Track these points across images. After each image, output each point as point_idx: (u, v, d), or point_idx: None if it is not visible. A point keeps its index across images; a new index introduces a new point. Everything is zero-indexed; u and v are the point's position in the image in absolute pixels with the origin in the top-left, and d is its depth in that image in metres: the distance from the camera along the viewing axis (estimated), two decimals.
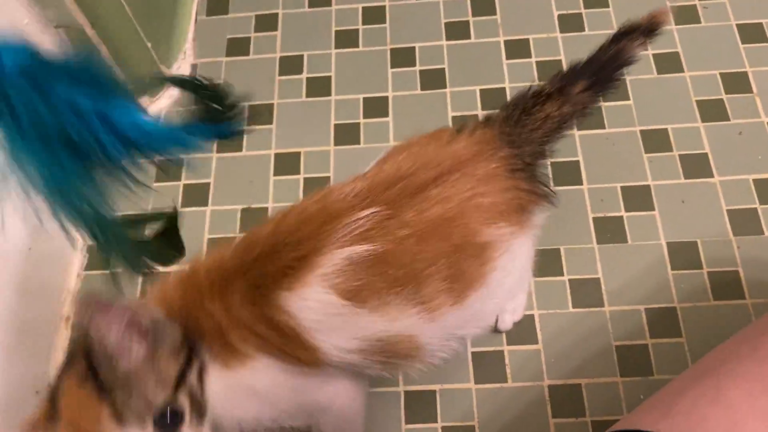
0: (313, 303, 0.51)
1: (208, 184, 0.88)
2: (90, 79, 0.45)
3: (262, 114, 0.90)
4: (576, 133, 0.87)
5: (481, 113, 0.89)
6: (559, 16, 0.96)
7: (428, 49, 0.96)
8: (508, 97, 0.86)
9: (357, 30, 0.98)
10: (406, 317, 0.53)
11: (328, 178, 0.87)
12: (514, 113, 0.62)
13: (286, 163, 0.89)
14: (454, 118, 0.89)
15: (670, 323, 0.76)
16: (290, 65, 0.96)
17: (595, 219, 0.82)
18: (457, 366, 0.75)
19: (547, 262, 0.80)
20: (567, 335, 0.76)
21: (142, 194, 0.48)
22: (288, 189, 0.87)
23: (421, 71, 0.94)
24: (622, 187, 0.84)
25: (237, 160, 0.90)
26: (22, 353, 0.74)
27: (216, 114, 0.53)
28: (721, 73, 0.90)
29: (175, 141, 0.49)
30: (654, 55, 0.92)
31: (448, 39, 0.96)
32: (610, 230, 0.81)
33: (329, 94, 0.93)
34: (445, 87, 0.92)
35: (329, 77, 0.95)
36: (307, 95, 0.94)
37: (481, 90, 0.91)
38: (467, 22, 0.97)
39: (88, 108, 0.44)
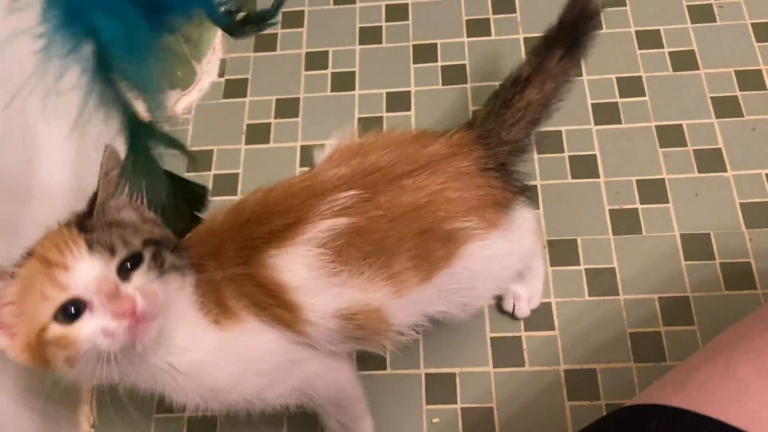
0: (298, 262, 0.57)
1: (237, 174, 0.92)
2: None
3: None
4: (593, 128, 0.90)
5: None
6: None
7: (450, 45, 0.99)
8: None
9: (380, 27, 1.01)
10: (377, 288, 0.58)
11: None
12: (494, 107, 0.66)
13: (312, 155, 0.92)
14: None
15: (682, 312, 0.78)
16: (316, 60, 0.99)
17: (611, 211, 0.85)
18: (477, 350, 0.78)
19: (564, 252, 0.82)
20: (583, 322, 0.79)
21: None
22: None
23: (442, 67, 0.97)
24: (637, 181, 0.86)
25: (265, 150, 0.93)
26: None
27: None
28: (735, 71, 0.92)
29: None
30: (670, 53, 0.95)
31: (469, 36, 0.99)
32: (625, 222, 0.84)
33: (353, 89, 0.97)
34: (465, 83, 0.95)
35: (353, 72, 0.98)
36: (332, 89, 0.97)
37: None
38: (488, 19, 1.00)
39: None
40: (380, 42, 1.00)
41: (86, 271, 0.48)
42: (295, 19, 1.03)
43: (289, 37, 1.02)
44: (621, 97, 0.92)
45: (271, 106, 0.97)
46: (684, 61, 0.94)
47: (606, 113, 0.91)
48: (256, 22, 0.55)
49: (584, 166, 0.88)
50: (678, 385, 0.49)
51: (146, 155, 0.50)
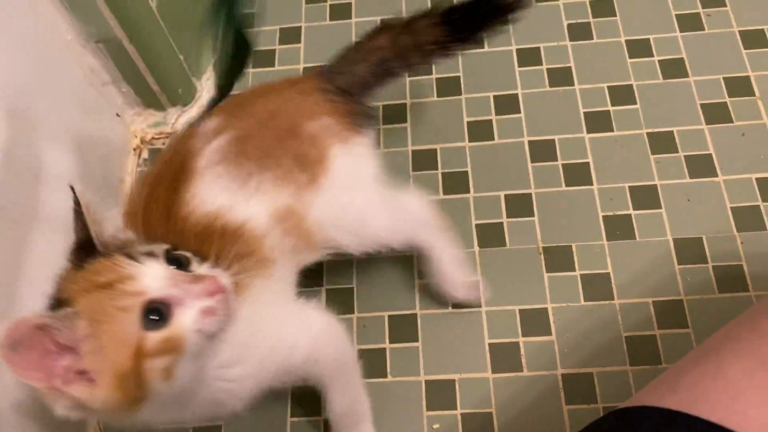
0: (213, 187, 0.62)
1: None
2: None
3: None
4: (586, 136, 0.92)
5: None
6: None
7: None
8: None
9: None
10: (283, 188, 0.65)
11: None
12: (344, 50, 0.75)
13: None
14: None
15: (677, 315, 0.80)
16: None
17: (604, 217, 0.86)
18: (475, 356, 0.80)
19: (559, 259, 0.84)
20: (579, 327, 0.80)
21: None
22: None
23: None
24: (630, 187, 0.88)
25: None
26: None
27: None
28: (724, 78, 0.94)
29: None
30: (659, 61, 0.97)
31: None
32: (619, 228, 0.85)
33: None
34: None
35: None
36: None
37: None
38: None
39: None
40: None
41: (152, 273, 0.48)
42: (292, 35, 1.05)
43: (287, 53, 1.04)
44: (613, 105, 0.94)
45: None
46: (674, 69, 0.96)
47: (598, 121, 0.93)
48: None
49: (577, 174, 0.89)
50: (670, 387, 0.51)
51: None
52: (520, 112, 0.94)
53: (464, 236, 0.85)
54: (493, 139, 0.93)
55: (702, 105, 0.93)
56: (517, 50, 0.99)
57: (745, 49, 0.96)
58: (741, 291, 0.80)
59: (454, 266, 0.79)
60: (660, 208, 0.86)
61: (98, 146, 0.82)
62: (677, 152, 0.90)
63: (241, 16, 0.57)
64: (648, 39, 0.98)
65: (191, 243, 0.58)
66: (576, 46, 0.99)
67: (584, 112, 0.94)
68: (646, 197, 0.87)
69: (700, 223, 0.85)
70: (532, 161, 0.91)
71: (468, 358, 0.80)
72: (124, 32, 0.84)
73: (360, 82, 0.73)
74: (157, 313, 0.47)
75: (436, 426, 0.77)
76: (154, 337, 0.47)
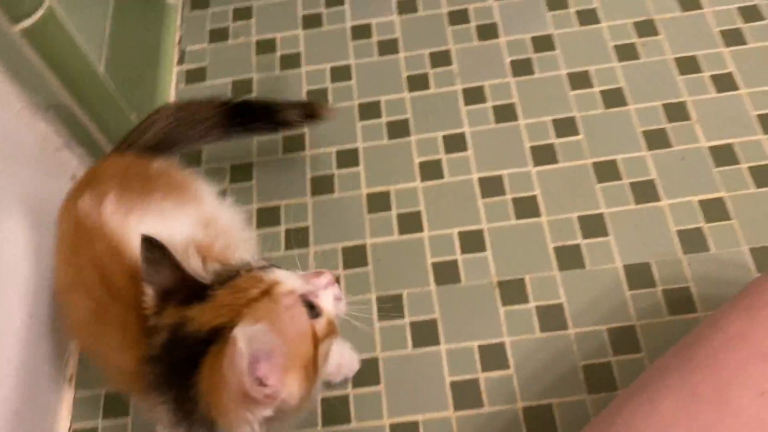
0: (125, 222, 0.65)
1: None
2: None
3: None
4: (532, 169, 0.94)
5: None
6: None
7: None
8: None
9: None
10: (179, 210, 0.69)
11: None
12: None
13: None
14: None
15: (630, 340, 0.82)
16: None
17: (555, 248, 0.89)
18: (437, 395, 0.81)
19: (513, 291, 0.86)
20: (536, 358, 0.82)
21: None
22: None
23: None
24: (578, 217, 0.90)
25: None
26: None
27: None
28: (663, 104, 0.98)
29: None
30: (601, 92, 1.00)
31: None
32: (569, 257, 0.88)
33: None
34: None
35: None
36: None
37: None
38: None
39: None
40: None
41: (285, 276, 0.54)
42: (243, 85, 1.07)
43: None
44: (557, 137, 0.97)
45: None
46: (614, 98, 0.99)
47: (543, 154, 0.95)
48: None
49: (527, 207, 0.92)
50: (607, 425, 0.52)
51: None
52: (467, 150, 0.97)
53: (420, 275, 0.87)
54: (443, 177, 0.95)
55: (643, 131, 0.96)
56: (463, 89, 1.02)
57: (680, 75, 1.00)
58: (689, 312, 0.83)
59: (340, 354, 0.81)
60: (608, 235, 0.89)
61: (55, 210, 0.83)
62: (621, 179, 0.93)
63: None
64: (587, 71, 1.02)
65: None
66: (519, 82, 1.02)
67: (530, 146, 0.96)
68: (593, 226, 0.90)
69: (647, 248, 0.87)
70: (483, 197, 0.93)
71: (431, 396, 0.81)
72: (72, 98, 0.85)
73: (159, 146, 0.80)
74: (307, 305, 0.54)
75: None
76: (320, 323, 0.54)
